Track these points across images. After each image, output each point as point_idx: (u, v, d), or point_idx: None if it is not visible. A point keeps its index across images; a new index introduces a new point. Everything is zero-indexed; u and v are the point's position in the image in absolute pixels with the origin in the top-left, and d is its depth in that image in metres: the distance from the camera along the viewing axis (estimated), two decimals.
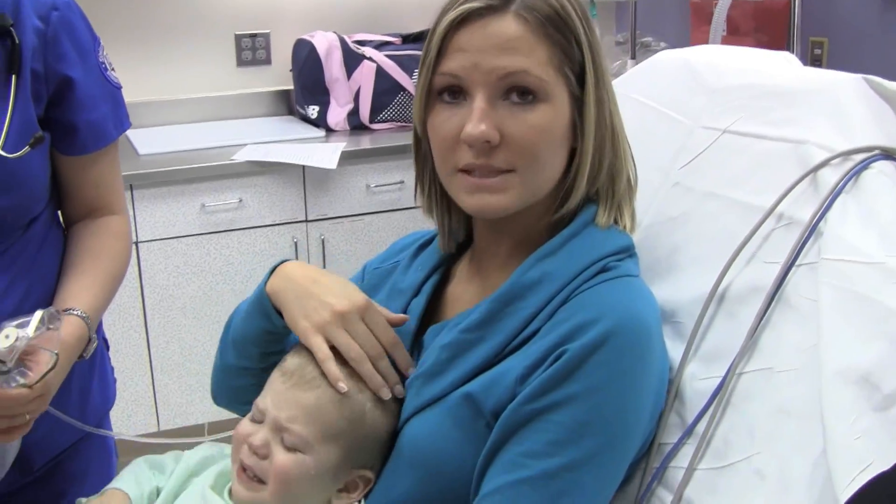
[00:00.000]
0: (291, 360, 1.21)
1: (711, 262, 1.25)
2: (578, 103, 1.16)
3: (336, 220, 3.33)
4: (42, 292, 1.48)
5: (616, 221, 1.23)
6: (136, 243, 3.10)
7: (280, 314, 1.24)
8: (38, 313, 1.26)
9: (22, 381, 1.24)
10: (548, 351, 1.09)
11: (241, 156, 3.17)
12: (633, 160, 1.25)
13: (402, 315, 1.26)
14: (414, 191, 1.29)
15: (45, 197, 1.47)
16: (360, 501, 1.20)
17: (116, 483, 1.30)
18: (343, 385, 1.15)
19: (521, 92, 1.12)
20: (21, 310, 1.42)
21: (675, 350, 1.23)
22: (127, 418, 3.25)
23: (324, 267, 3.31)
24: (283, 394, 1.17)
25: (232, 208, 3.19)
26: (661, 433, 1.19)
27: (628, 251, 1.21)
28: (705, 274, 1.25)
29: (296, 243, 3.28)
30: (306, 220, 3.29)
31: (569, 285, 1.14)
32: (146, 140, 3.36)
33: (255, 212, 3.22)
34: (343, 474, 1.18)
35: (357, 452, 1.18)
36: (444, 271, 1.33)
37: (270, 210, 3.24)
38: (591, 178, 1.19)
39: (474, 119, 1.12)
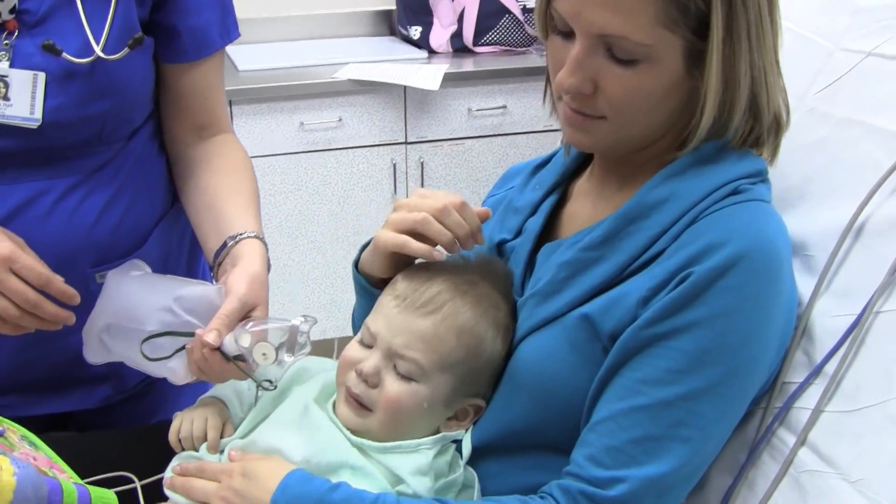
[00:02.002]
0: (403, 283, 1.15)
1: (848, 192, 1.17)
2: (698, 55, 1.05)
3: (436, 143, 3.26)
4: (146, 211, 1.45)
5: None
6: None
7: (376, 285, 1.21)
8: (295, 323, 1.17)
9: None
10: (672, 273, 1.03)
11: (341, 74, 3.11)
12: (786, 99, 1.15)
13: (483, 209, 1.19)
14: (544, 90, 1.21)
15: (146, 106, 1.43)
16: (467, 429, 1.15)
17: (214, 392, 1.28)
18: (437, 253, 1.13)
19: (620, 51, 1.04)
20: (123, 225, 1.40)
21: (804, 285, 1.15)
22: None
23: None
24: (396, 318, 1.12)
25: (331, 127, 3.15)
26: (786, 371, 1.12)
27: (761, 175, 1.13)
28: (841, 205, 1.16)
29: (394, 165, 3.23)
30: (406, 142, 3.24)
31: (697, 206, 1.07)
32: (247, 56, 3.32)
33: (354, 131, 3.18)
34: (455, 403, 1.14)
35: (471, 381, 1.13)
36: (562, 192, 1.26)
37: (370, 130, 3.19)
38: (715, 128, 1.09)
39: (567, 68, 1.06)
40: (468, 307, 1.12)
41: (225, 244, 1.32)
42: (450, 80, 3.15)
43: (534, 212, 1.25)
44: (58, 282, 1.25)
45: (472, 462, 1.14)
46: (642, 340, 1.03)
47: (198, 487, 1.14)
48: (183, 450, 1.22)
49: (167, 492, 1.18)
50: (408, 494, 1.08)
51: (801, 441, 1.08)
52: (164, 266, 1.49)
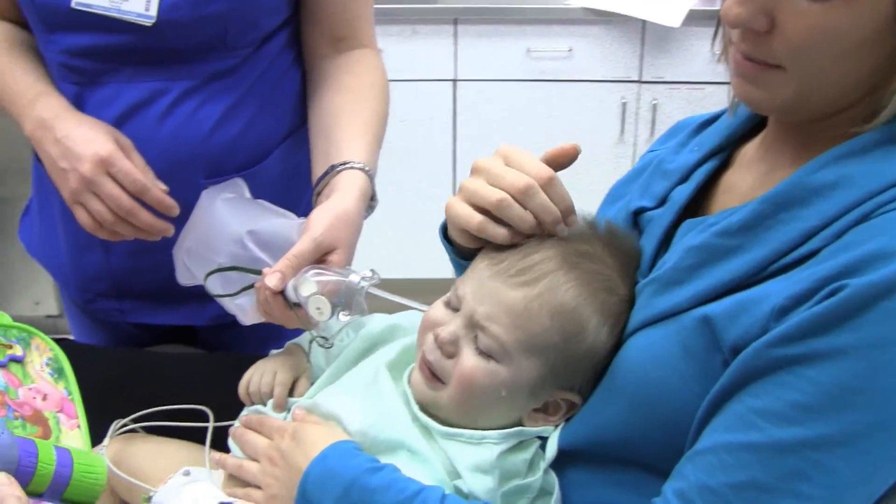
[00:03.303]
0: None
1: None
2: None
3: (673, 85, 3.00)
4: (271, 124, 1.35)
5: None
6: (454, 81, 2.96)
7: (461, 254, 1.05)
8: (352, 278, 1.04)
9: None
10: (822, 281, 0.79)
11: (576, 2, 2.92)
12: None
13: (567, 145, 0.98)
14: (714, 31, 0.99)
15: (277, 11, 1.31)
16: (557, 426, 0.97)
17: (302, 337, 1.17)
18: (518, 238, 0.94)
19: None
20: (243, 137, 1.31)
21: None
22: (429, 262, 3.18)
23: (651, 136, 3.02)
24: (485, 283, 0.95)
25: (560, 57, 2.96)
26: None
27: None
28: None
29: (624, 105, 3.00)
30: (640, 81, 3.00)
31: (875, 198, 0.82)
32: None
33: (584, 64, 2.98)
34: (543, 394, 0.96)
35: (565, 372, 0.94)
36: (724, 158, 1.03)
37: (602, 64, 2.98)
38: None
39: None
40: (572, 284, 0.93)
41: (327, 172, 1.21)
42: (694, 17, 2.89)
43: (685, 178, 1.02)
44: (155, 190, 1.18)
45: (556, 466, 0.96)
46: (769, 361, 0.80)
47: (251, 441, 1.05)
48: (252, 404, 1.12)
49: (230, 441, 1.10)
50: (462, 493, 0.92)
51: None
52: (287, 188, 1.39)
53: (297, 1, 1.34)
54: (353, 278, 1.03)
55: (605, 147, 3.04)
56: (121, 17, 1.20)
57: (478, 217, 0.95)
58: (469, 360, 0.94)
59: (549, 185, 0.94)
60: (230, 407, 1.14)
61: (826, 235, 0.83)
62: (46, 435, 0.93)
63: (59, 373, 0.99)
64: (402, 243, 3.14)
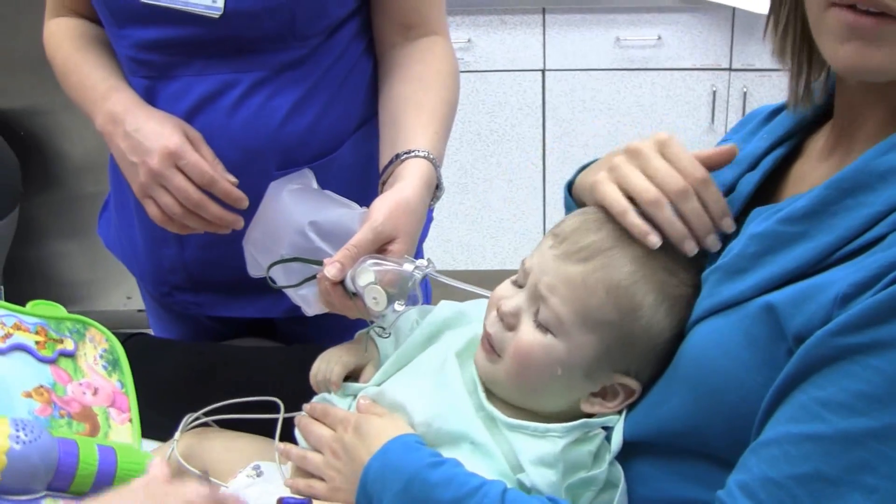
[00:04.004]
0: (571, 220, 0.98)
1: None
2: None
3: (764, 72, 2.94)
4: (343, 114, 1.36)
5: None
6: (543, 71, 2.96)
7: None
8: (407, 267, 1.06)
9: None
10: (887, 268, 0.77)
11: None
12: None
13: (725, 147, 0.96)
14: (765, 25, 0.97)
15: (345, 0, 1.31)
16: (620, 413, 0.96)
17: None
18: (655, 238, 0.91)
19: None
20: (316, 127, 1.32)
21: None
22: (514, 251, 3.18)
23: None
24: (549, 259, 0.95)
25: (649, 45, 2.93)
26: None
27: None
28: None
29: (714, 92, 2.96)
30: (730, 69, 2.95)
31: None
32: None
33: (674, 52, 2.94)
34: (600, 375, 0.95)
35: (621, 353, 0.94)
36: (795, 144, 1.01)
37: (691, 53, 2.94)
38: None
39: None
40: (628, 262, 0.93)
41: (392, 161, 1.21)
42: None
43: (753, 166, 1.00)
44: (223, 182, 1.20)
45: (622, 459, 0.95)
46: (833, 350, 0.78)
47: (315, 432, 1.07)
48: (319, 392, 1.13)
49: (296, 432, 1.11)
50: (525, 487, 0.91)
51: None
52: (361, 178, 1.40)
53: None
54: (408, 266, 1.04)
55: (695, 136, 3.00)
56: (189, 10, 1.21)
57: (625, 204, 0.94)
58: (527, 332, 0.95)
59: (703, 188, 0.93)
60: (305, 398, 1.14)
61: (891, 221, 0.80)
62: (94, 431, 0.94)
63: (113, 365, 1.00)
64: (493, 233, 3.15)
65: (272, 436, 1.15)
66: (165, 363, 1.10)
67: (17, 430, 0.83)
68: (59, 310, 1.01)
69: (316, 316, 1.41)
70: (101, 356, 1.01)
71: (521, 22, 2.90)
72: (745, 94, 2.95)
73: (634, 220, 0.93)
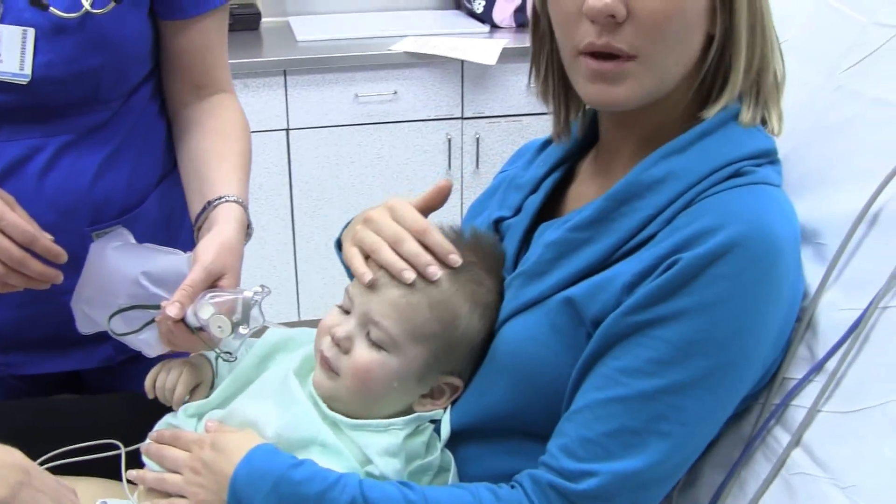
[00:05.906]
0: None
1: (871, 178, 1.08)
2: None
3: (493, 119, 3.21)
4: (145, 171, 1.44)
5: (763, 122, 1.08)
6: (287, 130, 3.07)
7: None
8: (246, 294, 1.17)
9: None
10: (660, 258, 0.97)
11: (399, 47, 3.08)
12: (781, 52, 1.09)
13: (440, 184, 1.15)
14: (528, 73, 1.16)
15: (143, 63, 1.40)
16: (445, 409, 1.11)
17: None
18: (409, 273, 1.06)
19: None
20: (121, 185, 1.39)
21: (813, 275, 1.08)
22: (269, 306, 3.26)
23: (476, 168, 3.22)
24: (373, 285, 1.09)
25: (386, 100, 3.11)
26: (787, 367, 1.05)
27: (769, 156, 1.06)
28: (861, 191, 1.08)
29: (449, 140, 3.19)
30: (462, 118, 3.19)
31: (695, 187, 1.00)
32: (305, 27, 3.31)
33: (409, 105, 3.14)
34: (429, 379, 1.09)
35: (446, 357, 1.08)
36: (567, 169, 1.21)
37: (425, 104, 3.15)
38: (746, 71, 1.04)
39: None
40: (444, 280, 1.07)
41: (205, 208, 1.31)
42: (509, 55, 3.09)
43: (535, 189, 1.19)
44: (44, 240, 1.24)
45: (450, 446, 1.10)
46: (625, 328, 0.97)
47: (169, 456, 1.14)
48: (156, 398, 1.22)
49: (144, 458, 1.18)
50: (375, 476, 1.04)
51: (796, 441, 1.01)
52: (165, 227, 1.48)
53: (159, 54, 1.43)
54: (247, 294, 1.15)
55: (434, 181, 3.18)
56: None
57: (359, 257, 1.10)
58: (362, 353, 1.07)
59: (424, 235, 1.08)
60: (137, 439, 1.21)
61: (660, 221, 1.00)
62: None
63: None
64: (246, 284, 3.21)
65: (113, 478, 1.21)
66: None
67: None
68: None
69: (123, 364, 1.49)
70: None
71: (263, 84, 3.00)
72: (477, 139, 3.20)
73: (361, 268, 1.09)
